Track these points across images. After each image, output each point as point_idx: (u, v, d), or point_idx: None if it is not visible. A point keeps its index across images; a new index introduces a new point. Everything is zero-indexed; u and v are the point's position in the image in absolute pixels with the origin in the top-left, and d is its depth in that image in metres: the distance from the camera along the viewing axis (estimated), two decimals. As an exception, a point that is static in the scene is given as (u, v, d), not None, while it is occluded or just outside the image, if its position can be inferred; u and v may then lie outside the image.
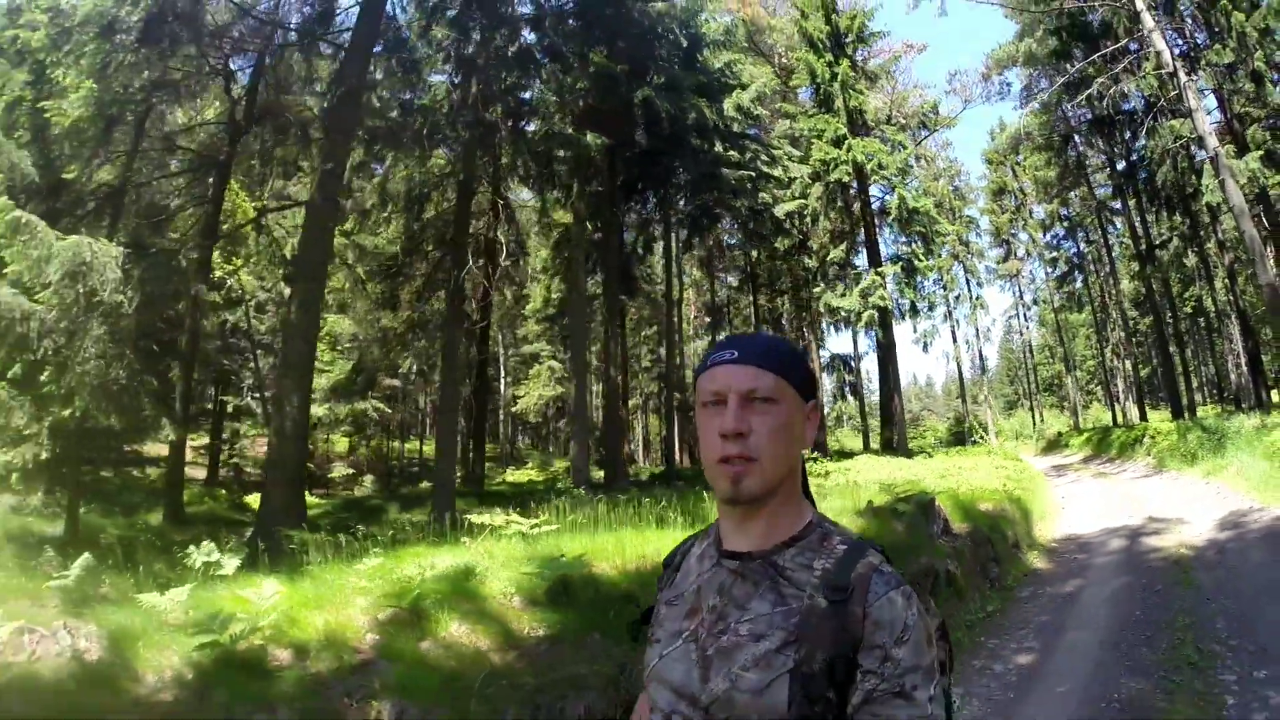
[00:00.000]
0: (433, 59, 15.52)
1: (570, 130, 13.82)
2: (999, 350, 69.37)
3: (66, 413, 10.44)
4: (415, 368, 29.82)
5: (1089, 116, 25.03)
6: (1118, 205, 29.94)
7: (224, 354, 25.29)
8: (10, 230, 9.32)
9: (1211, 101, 22.25)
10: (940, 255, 25.79)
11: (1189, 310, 33.99)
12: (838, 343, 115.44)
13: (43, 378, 10.30)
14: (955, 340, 39.76)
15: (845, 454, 24.31)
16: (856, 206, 23.62)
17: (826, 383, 31.15)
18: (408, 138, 15.35)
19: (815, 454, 25.59)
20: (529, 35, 15.31)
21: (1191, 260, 27.94)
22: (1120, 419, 34.50)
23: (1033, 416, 45.67)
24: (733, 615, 1.03)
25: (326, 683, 4.14)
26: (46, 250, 9.35)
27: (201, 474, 23.29)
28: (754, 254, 28.42)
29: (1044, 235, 36.96)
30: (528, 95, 15.81)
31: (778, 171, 21.01)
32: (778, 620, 0.98)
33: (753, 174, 18.77)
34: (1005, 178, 39.47)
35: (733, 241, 30.17)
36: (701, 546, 1.17)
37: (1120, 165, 26.99)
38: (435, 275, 18.96)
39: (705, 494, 8.47)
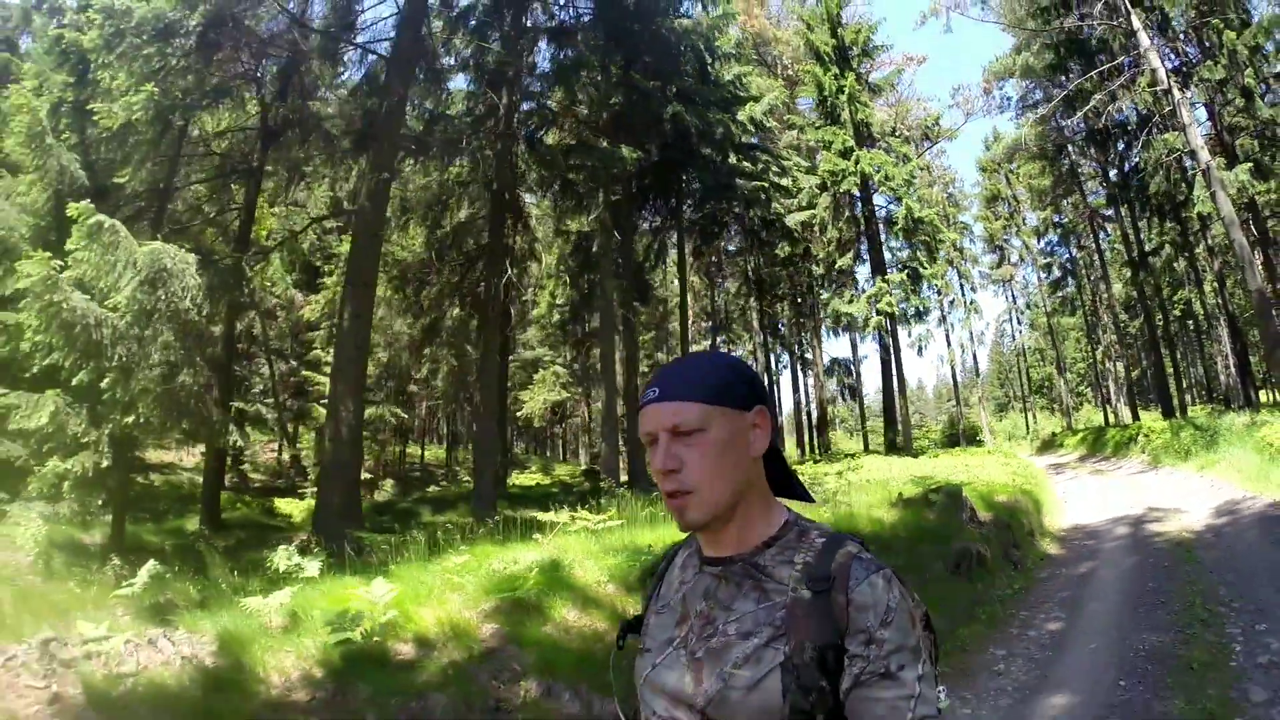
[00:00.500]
0: (459, 68, 16.01)
1: (605, 143, 14.43)
2: (990, 354, 70.38)
3: (129, 419, 10.47)
4: (424, 372, 30.37)
5: (1083, 128, 25.90)
6: (1109, 212, 30.85)
7: (234, 360, 25.68)
8: (89, 235, 9.47)
9: (1202, 113, 23.14)
10: (939, 262, 26.62)
11: (1178, 313, 34.91)
12: (834, 347, 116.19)
13: (103, 384, 10.23)
14: (949, 344, 40.81)
15: (845, 455, 24.99)
16: (860, 215, 24.42)
17: (829, 386, 31.89)
18: (436, 146, 15.83)
19: (817, 455, 26.44)
20: (554, 49, 15.95)
21: (1181, 265, 28.88)
22: (1112, 420, 35.40)
23: (1026, 418, 46.61)
24: (720, 617, 1.05)
25: (466, 670, 4.36)
26: (126, 256, 9.57)
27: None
28: (755, 261, 29.12)
29: (1038, 241, 37.87)
30: (551, 104, 16.43)
31: (787, 181, 21.79)
32: (763, 616, 1.01)
33: (766, 184, 19.53)
34: (999, 185, 40.35)
35: (731, 248, 30.90)
36: (684, 556, 1.20)
37: (1114, 175, 27.87)
38: (462, 282, 19.52)
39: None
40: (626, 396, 17.64)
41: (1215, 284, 28.19)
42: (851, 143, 22.15)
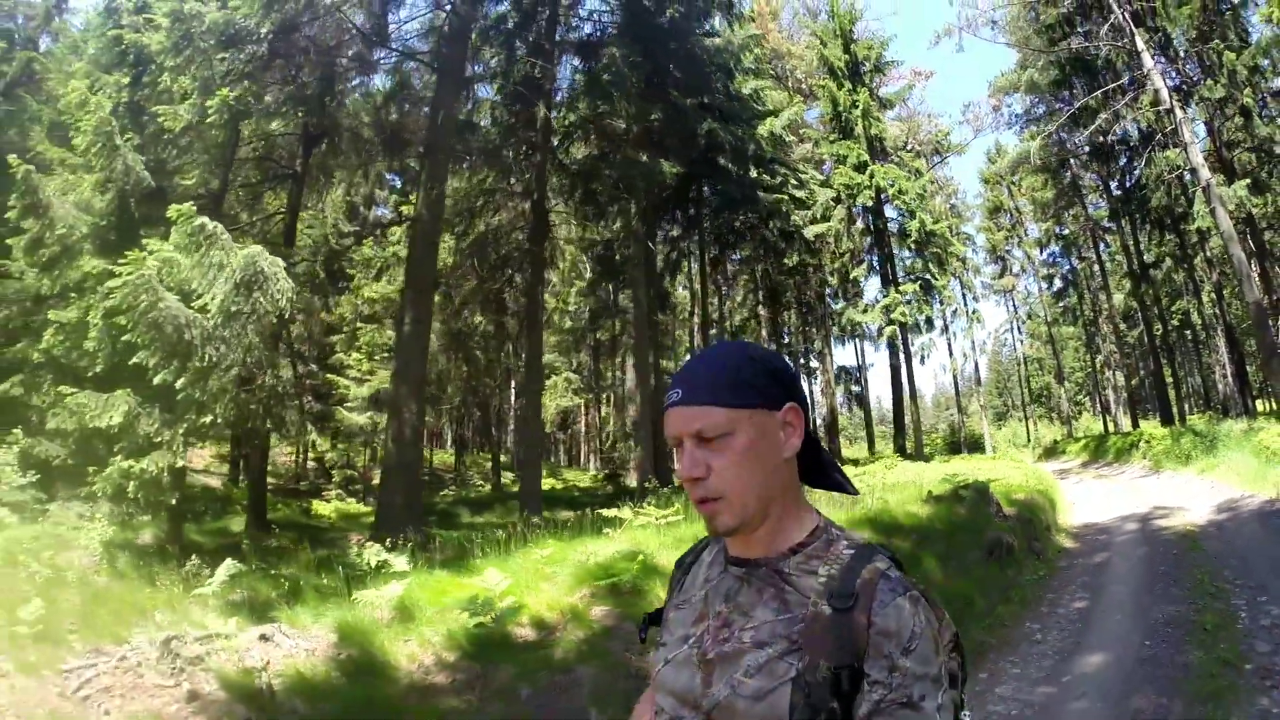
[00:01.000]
0: (487, 78, 16.53)
1: (644, 157, 15.15)
2: (989, 363, 71.22)
3: (206, 420, 10.49)
4: (433, 376, 31.00)
5: (1087, 143, 26.73)
6: (1110, 224, 31.67)
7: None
8: (191, 238, 9.74)
9: (1201, 129, 23.98)
10: (948, 274, 27.45)
11: (1176, 323, 35.72)
12: (840, 356, 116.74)
13: (179, 384, 10.15)
14: (951, 353, 41.58)
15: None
16: (873, 227, 25.26)
17: (837, 394, 32.64)
18: (473, 156, 16.38)
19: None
20: (588, 63, 16.57)
21: (1180, 276, 29.75)
22: (1112, 427, 36.21)
23: (1026, 426, 47.43)
24: (737, 622, 1.03)
25: (597, 645, 4.71)
26: (225, 258, 9.78)
27: (215, 482, 22.84)
28: (765, 270, 29.83)
29: (1040, 253, 38.70)
30: (584, 116, 17.05)
31: (803, 194, 22.61)
32: (781, 628, 0.99)
33: (785, 197, 20.35)
34: (1001, 196, 41.09)
35: (736, 257, 31.69)
36: (712, 552, 1.17)
37: (1115, 188, 28.68)
38: (488, 288, 20.20)
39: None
40: (653, 402, 18.38)
41: (1213, 295, 29.01)
42: (866, 157, 23.05)
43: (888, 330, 22.70)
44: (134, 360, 10.23)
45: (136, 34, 12.51)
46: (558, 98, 17.09)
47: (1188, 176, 22.13)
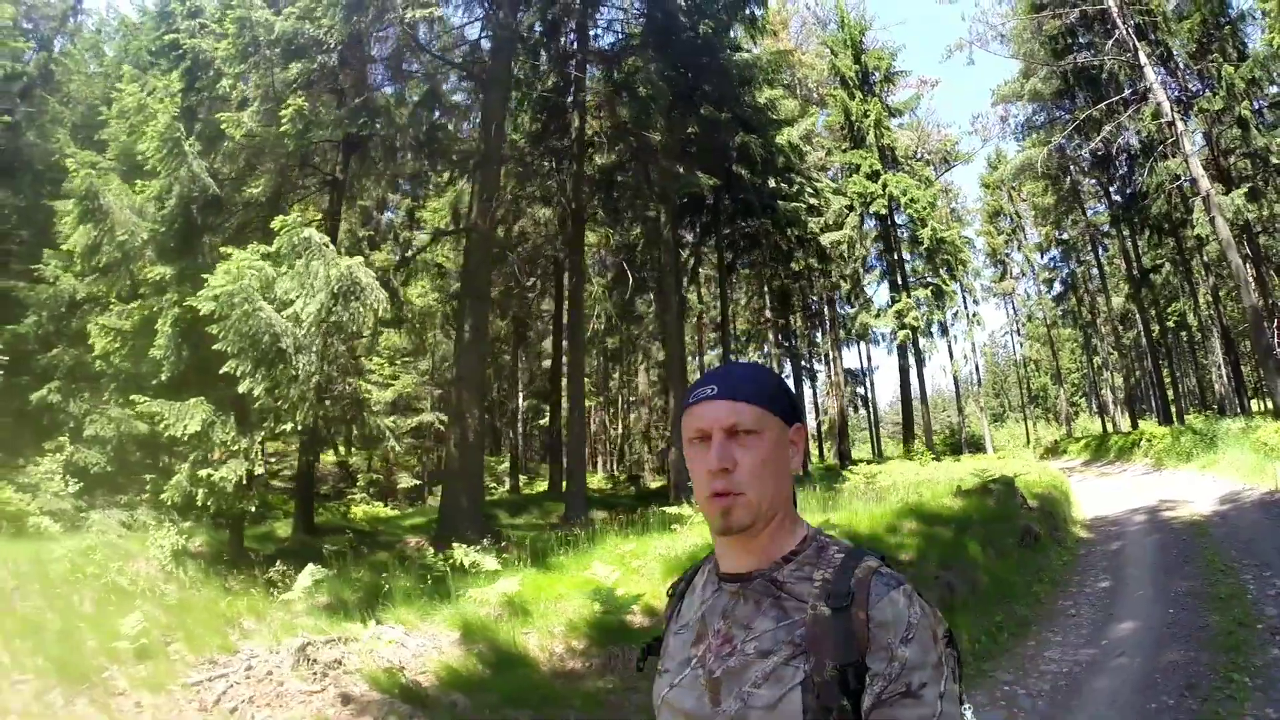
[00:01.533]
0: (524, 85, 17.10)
1: (680, 168, 15.90)
2: (986, 365, 72.09)
3: (285, 427, 10.39)
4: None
5: (1088, 152, 27.58)
6: (1109, 229, 32.53)
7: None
8: (294, 247, 9.81)
9: (1200, 138, 24.85)
10: (957, 279, 28.28)
11: (1172, 325, 36.57)
12: (844, 359, 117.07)
13: (256, 391, 9.95)
14: (952, 355, 42.34)
15: (864, 461, 26.43)
16: (884, 233, 26.11)
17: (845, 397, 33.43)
18: (511, 164, 16.78)
19: (839, 461, 28.03)
20: (621, 74, 17.17)
21: (1176, 280, 30.61)
22: (1110, 427, 37.05)
23: (1025, 427, 48.30)
24: (738, 636, 1.04)
25: None
26: (325, 268, 9.78)
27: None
28: (774, 274, 30.58)
29: (1041, 257, 39.56)
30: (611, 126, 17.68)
31: (817, 201, 23.42)
32: (783, 634, 1.00)
33: (803, 205, 21.15)
34: (1001, 201, 41.94)
35: (745, 262, 32.42)
36: (704, 575, 1.19)
37: (1115, 195, 29.55)
38: (531, 293, 20.86)
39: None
40: (678, 405, 19.14)
41: (1209, 298, 29.90)
42: (878, 166, 23.90)
43: (900, 335, 23.54)
44: (223, 369, 9.93)
45: (194, 39, 12.43)
46: (599, 110, 17.62)
47: (1187, 186, 22.99)
